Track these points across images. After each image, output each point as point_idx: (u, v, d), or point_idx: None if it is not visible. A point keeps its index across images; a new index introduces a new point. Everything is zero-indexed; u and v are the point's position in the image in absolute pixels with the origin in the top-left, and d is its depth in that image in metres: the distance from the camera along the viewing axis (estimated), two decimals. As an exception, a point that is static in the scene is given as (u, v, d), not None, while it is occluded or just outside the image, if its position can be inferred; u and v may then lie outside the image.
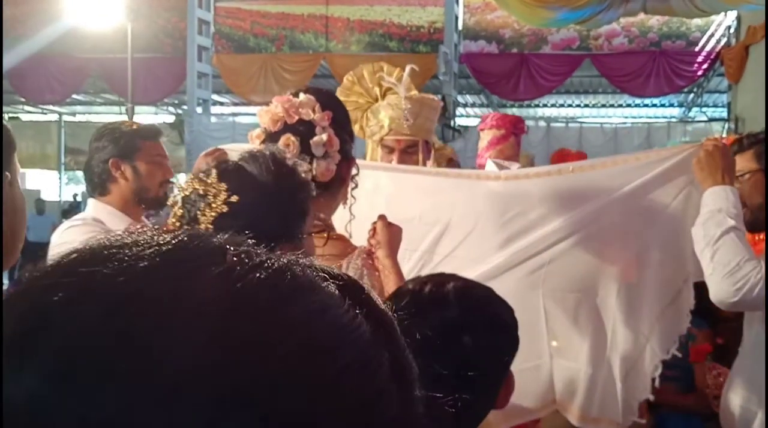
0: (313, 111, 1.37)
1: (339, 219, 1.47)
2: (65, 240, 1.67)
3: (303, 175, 1.07)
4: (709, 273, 1.37)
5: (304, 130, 1.35)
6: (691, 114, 12.91)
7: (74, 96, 11.73)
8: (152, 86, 10.03)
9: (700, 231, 1.40)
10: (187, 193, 0.99)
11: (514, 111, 13.91)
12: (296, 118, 1.36)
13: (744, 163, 1.54)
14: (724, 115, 10.14)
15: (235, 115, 11.60)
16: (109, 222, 1.71)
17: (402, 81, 1.94)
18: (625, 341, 1.52)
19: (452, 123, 9.23)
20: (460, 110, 13.40)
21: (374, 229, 1.39)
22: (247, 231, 0.99)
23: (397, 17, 9.67)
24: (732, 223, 1.37)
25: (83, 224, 1.70)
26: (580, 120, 11.88)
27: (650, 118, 13.85)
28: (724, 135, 9.02)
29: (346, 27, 9.74)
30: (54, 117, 14.04)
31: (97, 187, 1.76)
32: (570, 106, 13.24)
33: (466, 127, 10.30)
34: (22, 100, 11.72)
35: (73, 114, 14.33)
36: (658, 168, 1.49)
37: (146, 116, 13.18)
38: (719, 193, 1.41)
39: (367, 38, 9.79)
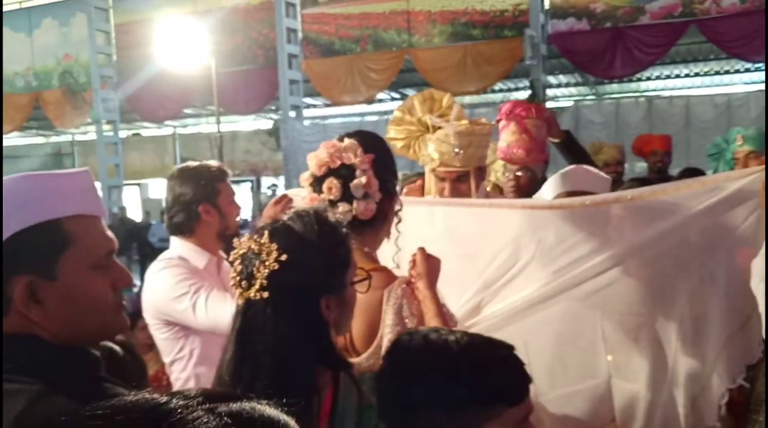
0: (355, 155, 1.45)
1: (388, 251, 1.54)
2: (159, 286, 1.86)
3: (344, 230, 1.14)
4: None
5: (346, 173, 1.44)
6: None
7: (184, 110, 12.76)
8: (250, 97, 10.65)
9: (757, 265, 1.31)
10: (245, 251, 1.09)
11: (613, 87, 13.11)
12: (339, 162, 1.45)
13: None
14: None
15: (325, 117, 12.01)
16: (192, 260, 1.90)
17: (452, 113, 1.95)
18: (689, 368, 1.46)
19: (543, 108, 8.88)
20: (554, 91, 12.86)
21: (414, 261, 1.44)
22: (297, 286, 1.08)
23: (479, 3, 9.47)
24: None
25: (172, 266, 1.86)
26: (687, 92, 10.92)
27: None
28: None
29: (428, 20, 9.70)
30: (169, 130, 15.40)
31: (182, 226, 1.92)
32: (678, 76, 12.21)
33: (561, 109, 9.89)
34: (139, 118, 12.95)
35: (185, 126, 15.60)
36: (724, 191, 1.41)
37: (246, 124, 14.05)
38: None
39: (450, 29, 9.68)
